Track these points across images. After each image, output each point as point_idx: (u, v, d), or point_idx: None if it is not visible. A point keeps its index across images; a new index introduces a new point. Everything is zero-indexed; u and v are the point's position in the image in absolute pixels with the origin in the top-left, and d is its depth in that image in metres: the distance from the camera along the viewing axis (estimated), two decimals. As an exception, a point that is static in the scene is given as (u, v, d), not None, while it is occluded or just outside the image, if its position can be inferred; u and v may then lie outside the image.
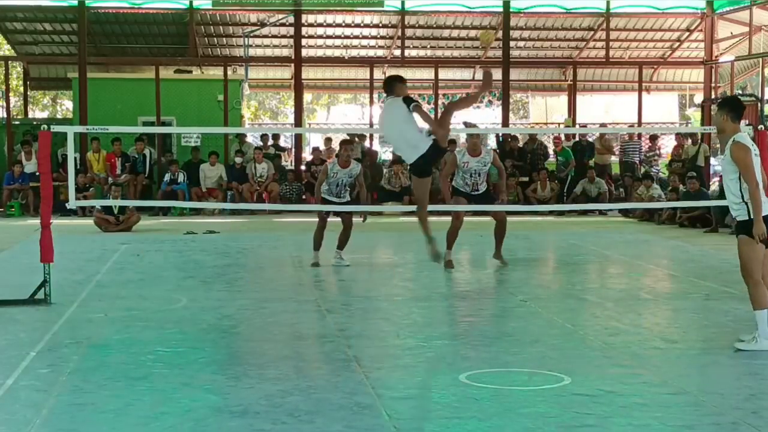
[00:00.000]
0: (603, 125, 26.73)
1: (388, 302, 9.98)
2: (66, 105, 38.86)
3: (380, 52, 26.13)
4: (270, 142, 22.90)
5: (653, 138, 23.30)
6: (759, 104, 22.79)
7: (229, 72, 23.60)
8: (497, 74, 24.59)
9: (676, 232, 16.71)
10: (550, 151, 23.41)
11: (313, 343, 7.96)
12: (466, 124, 12.98)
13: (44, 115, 38.78)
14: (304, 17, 23.85)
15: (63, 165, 19.73)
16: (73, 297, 9.78)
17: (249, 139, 23.42)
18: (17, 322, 8.60)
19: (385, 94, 9.39)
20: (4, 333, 8.13)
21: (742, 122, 24.65)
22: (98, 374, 6.65)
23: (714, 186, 20.75)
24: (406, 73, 26.77)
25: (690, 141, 21.74)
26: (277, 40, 25.49)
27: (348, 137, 15.12)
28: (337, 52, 25.99)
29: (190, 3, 23.64)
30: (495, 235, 12.24)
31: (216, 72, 24.07)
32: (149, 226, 17.54)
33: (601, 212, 20.19)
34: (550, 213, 19.50)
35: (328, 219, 12.28)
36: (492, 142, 24.76)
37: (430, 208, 9.71)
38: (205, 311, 9.07)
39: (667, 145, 25.42)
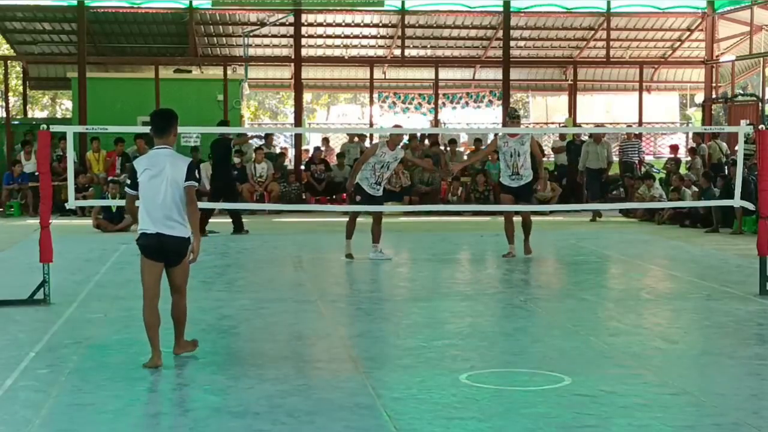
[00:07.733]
0: (598, 125, 26.64)
1: (388, 302, 9.97)
2: (65, 105, 38.87)
3: (380, 52, 26.13)
4: (262, 141, 22.66)
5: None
6: (760, 104, 22.78)
7: (229, 72, 23.59)
8: (498, 74, 24.61)
9: (677, 232, 16.69)
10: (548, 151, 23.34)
11: (313, 343, 7.95)
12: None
13: (44, 114, 38.79)
14: (304, 17, 23.84)
15: (60, 163, 19.67)
16: (73, 297, 9.76)
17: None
18: (16, 323, 8.59)
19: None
20: (3, 333, 8.11)
21: (743, 121, 24.44)
22: (98, 374, 6.63)
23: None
24: (407, 72, 26.86)
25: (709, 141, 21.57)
26: (277, 39, 25.48)
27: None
28: (337, 52, 25.99)
29: (190, 2, 23.64)
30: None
31: (216, 72, 24.06)
32: (149, 226, 17.50)
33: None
34: (551, 213, 19.46)
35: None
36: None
37: (433, 207, 9.73)
38: (205, 311, 9.04)
39: (665, 144, 25.37)
